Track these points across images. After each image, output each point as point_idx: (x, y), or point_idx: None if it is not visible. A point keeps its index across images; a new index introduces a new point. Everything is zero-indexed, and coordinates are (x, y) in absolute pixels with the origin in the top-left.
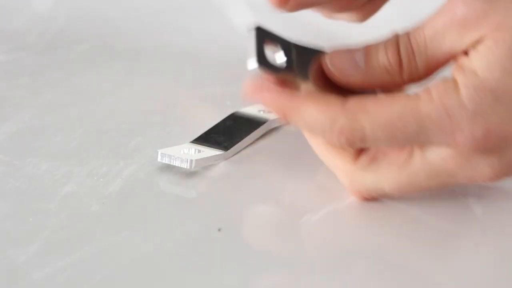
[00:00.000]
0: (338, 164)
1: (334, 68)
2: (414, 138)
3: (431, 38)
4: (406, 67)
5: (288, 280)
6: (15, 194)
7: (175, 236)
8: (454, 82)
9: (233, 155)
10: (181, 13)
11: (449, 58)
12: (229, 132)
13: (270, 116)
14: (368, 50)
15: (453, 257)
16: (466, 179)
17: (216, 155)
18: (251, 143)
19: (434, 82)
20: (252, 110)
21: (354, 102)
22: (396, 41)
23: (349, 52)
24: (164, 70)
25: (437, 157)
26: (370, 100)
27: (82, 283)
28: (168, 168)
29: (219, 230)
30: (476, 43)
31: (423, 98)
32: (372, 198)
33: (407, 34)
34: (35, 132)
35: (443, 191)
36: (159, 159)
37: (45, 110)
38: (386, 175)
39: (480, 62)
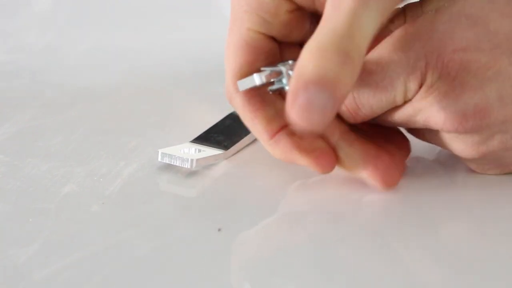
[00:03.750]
0: None
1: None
2: None
3: None
4: None
5: (288, 279)
6: (15, 194)
7: (175, 236)
8: None
9: (233, 154)
10: (181, 13)
11: None
12: (228, 132)
13: None
14: None
15: (452, 252)
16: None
17: (217, 154)
18: (251, 142)
19: None
20: None
21: None
22: None
23: None
24: (164, 70)
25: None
26: None
27: (82, 283)
28: (168, 168)
29: (219, 230)
30: None
31: None
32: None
33: None
34: (35, 133)
35: (444, 184)
36: (159, 159)
37: (45, 110)
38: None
39: None
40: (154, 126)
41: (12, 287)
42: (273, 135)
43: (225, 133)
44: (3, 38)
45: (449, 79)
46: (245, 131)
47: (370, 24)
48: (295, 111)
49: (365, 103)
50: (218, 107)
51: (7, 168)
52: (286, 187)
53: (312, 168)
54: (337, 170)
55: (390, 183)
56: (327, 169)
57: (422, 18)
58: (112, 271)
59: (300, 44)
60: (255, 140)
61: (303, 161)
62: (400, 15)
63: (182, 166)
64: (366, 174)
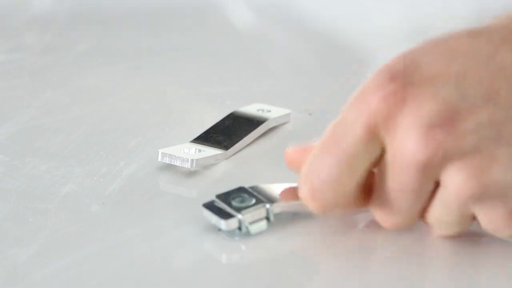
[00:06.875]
0: None
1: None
2: None
3: None
4: None
5: (288, 280)
6: (15, 194)
7: (175, 236)
8: None
9: (233, 154)
10: (181, 13)
11: None
12: (228, 132)
13: (269, 115)
14: None
15: (452, 256)
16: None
17: (217, 154)
18: (251, 142)
19: None
20: (251, 109)
21: None
22: None
23: None
24: (164, 70)
25: None
26: None
27: (82, 283)
28: (168, 168)
29: (219, 230)
30: None
31: None
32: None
33: None
34: (35, 132)
35: None
36: (159, 159)
37: (45, 110)
38: None
39: None
40: (154, 126)
41: (12, 287)
42: None
43: (225, 133)
44: (3, 38)
45: None
46: (245, 131)
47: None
48: None
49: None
50: (218, 107)
51: (7, 168)
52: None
53: None
54: None
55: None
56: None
57: None
58: (112, 271)
59: None
60: (255, 140)
61: None
62: None
63: (182, 166)
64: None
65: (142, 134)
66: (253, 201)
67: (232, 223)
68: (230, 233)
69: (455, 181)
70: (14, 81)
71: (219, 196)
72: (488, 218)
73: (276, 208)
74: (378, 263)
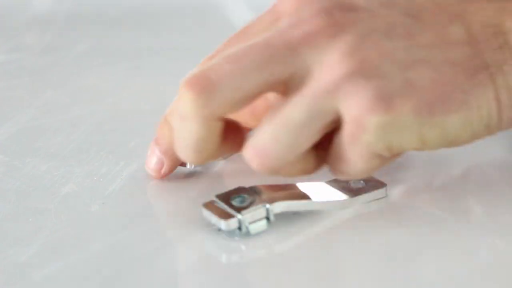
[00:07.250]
0: None
1: None
2: None
3: None
4: None
5: (288, 279)
6: (15, 194)
7: (175, 236)
8: None
9: (233, 154)
10: (181, 13)
11: None
12: None
13: None
14: None
15: (452, 257)
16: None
17: None
18: None
19: None
20: None
21: None
22: None
23: None
24: (164, 70)
25: None
26: None
27: (82, 283)
28: None
29: (219, 230)
30: None
31: None
32: None
33: None
34: (35, 132)
35: (442, 191)
36: None
37: (45, 110)
38: None
39: None
40: (155, 126)
41: (12, 287)
42: None
43: None
44: (3, 38)
45: None
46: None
47: None
48: None
49: None
50: None
51: (7, 168)
52: None
53: None
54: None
55: None
56: None
57: None
58: (112, 271)
59: None
60: None
61: None
62: None
63: (182, 166)
64: None
65: (142, 134)
66: (253, 201)
67: (232, 223)
68: (230, 233)
69: (330, 59)
70: (14, 81)
71: (219, 196)
72: (354, 103)
73: (276, 208)
74: (378, 262)
